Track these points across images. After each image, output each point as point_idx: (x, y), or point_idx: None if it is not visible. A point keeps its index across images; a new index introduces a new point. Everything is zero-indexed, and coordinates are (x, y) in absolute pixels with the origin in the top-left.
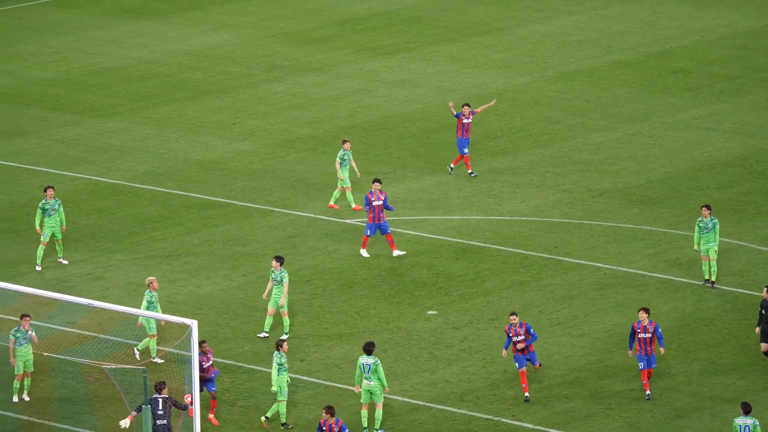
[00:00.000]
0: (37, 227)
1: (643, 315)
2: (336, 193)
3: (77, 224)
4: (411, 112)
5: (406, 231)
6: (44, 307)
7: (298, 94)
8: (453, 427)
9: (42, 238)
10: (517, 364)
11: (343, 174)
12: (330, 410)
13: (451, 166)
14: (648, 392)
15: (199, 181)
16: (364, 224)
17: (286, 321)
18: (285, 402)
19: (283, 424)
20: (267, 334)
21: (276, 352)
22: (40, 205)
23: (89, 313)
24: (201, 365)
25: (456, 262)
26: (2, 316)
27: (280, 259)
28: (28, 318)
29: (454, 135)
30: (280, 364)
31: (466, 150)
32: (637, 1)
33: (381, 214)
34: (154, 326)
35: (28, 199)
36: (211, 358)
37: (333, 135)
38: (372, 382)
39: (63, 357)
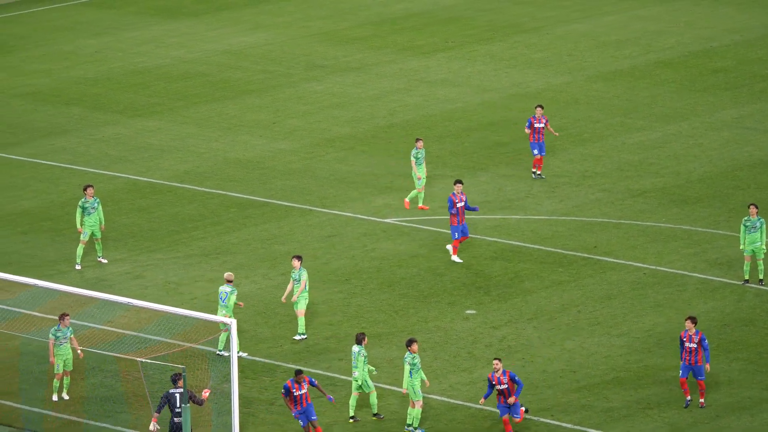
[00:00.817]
0: (78, 226)
1: (689, 324)
2: (421, 195)
3: (116, 223)
4: (450, 111)
5: (444, 230)
6: (83, 306)
7: (337, 94)
8: (491, 426)
9: (81, 237)
10: (499, 411)
11: (420, 173)
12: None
13: (534, 171)
14: (688, 398)
15: (238, 181)
16: (403, 224)
17: (301, 320)
18: (375, 392)
19: (374, 415)
20: (304, 336)
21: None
22: (80, 203)
23: (128, 312)
24: (290, 393)
25: (495, 261)
26: (41, 314)
27: (299, 258)
28: (67, 317)
29: (493, 134)
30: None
31: (536, 151)
32: (675, 1)
33: (463, 216)
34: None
35: (68, 198)
36: (305, 387)
37: (372, 134)
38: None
39: (99, 351)
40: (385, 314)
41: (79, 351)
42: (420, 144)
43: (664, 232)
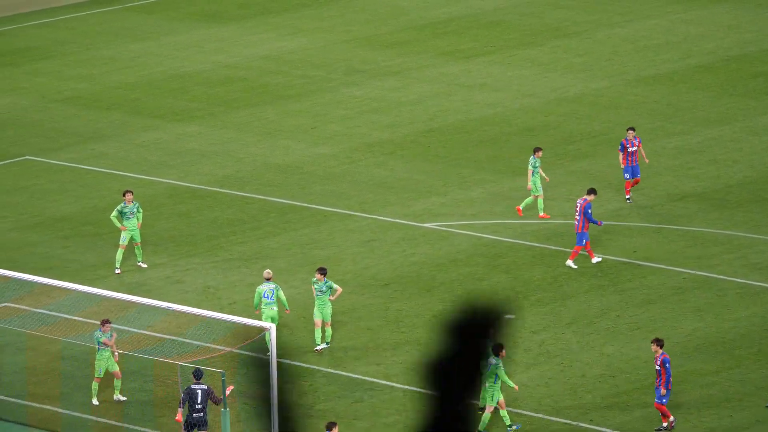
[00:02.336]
0: (119, 225)
1: (654, 347)
2: (540, 202)
3: (156, 228)
4: (490, 116)
5: (484, 235)
6: (123, 311)
7: (376, 98)
8: (530, 431)
9: (121, 242)
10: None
11: (535, 182)
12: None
13: (627, 197)
14: (664, 424)
15: (277, 185)
16: (443, 229)
17: (328, 331)
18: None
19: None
20: (324, 345)
21: (495, 358)
22: (119, 208)
23: (168, 316)
24: None
25: (534, 266)
26: (82, 319)
27: (323, 271)
28: (109, 325)
29: (532, 138)
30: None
31: (627, 175)
32: (717, 5)
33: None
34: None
35: (108, 203)
36: None
37: (411, 139)
38: None
39: (139, 355)
40: (425, 319)
41: (115, 353)
42: (539, 154)
43: (704, 237)
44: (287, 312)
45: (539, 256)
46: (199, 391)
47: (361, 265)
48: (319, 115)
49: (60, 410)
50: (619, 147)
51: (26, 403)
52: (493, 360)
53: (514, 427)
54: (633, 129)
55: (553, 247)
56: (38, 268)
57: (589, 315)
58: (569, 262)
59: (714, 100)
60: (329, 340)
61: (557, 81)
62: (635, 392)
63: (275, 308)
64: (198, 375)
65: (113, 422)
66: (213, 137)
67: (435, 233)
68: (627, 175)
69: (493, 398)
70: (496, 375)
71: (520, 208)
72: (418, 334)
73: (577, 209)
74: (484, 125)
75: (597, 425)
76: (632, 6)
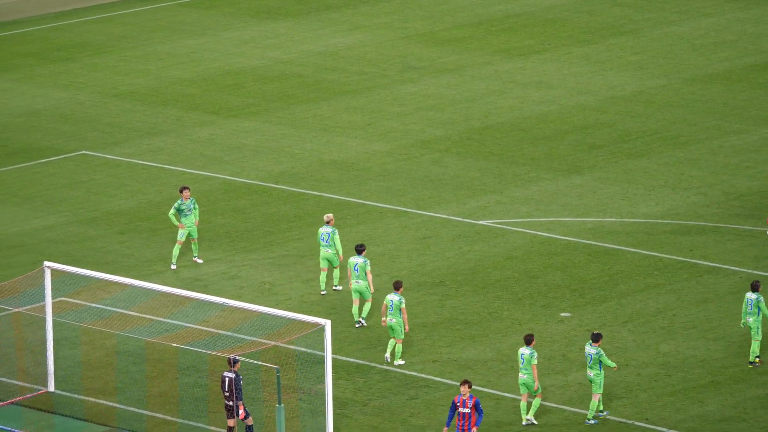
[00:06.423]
0: (177, 222)
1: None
2: None
3: (212, 224)
4: (545, 113)
5: (539, 233)
6: (179, 306)
7: (432, 95)
8: (585, 429)
9: (178, 237)
10: None
11: None
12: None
13: None
14: None
15: (333, 182)
16: (498, 226)
17: (367, 307)
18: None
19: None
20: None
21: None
22: (176, 205)
23: (223, 312)
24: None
25: (590, 264)
26: (137, 314)
27: (360, 249)
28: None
29: (588, 136)
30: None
31: None
32: None
33: None
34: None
35: (164, 198)
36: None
37: (467, 136)
38: None
39: (194, 349)
40: (480, 316)
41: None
42: None
43: (761, 236)
44: (341, 259)
45: (595, 254)
46: (226, 379)
47: (417, 262)
48: (374, 111)
49: (116, 405)
50: None
51: (82, 397)
52: (593, 350)
53: (603, 414)
54: None
55: (608, 246)
56: (95, 262)
57: (645, 314)
58: None
59: None
60: (364, 315)
61: (613, 79)
62: (691, 391)
63: (330, 251)
64: (231, 362)
65: (168, 417)
66: (268, 133)
67: (490, 231)
68: None
69: (600, 386)
70: (600, 362)
71: None
72: (473, 332)
73: None
74: (539, 123)
75: (653, 424)
76: (688, 4)
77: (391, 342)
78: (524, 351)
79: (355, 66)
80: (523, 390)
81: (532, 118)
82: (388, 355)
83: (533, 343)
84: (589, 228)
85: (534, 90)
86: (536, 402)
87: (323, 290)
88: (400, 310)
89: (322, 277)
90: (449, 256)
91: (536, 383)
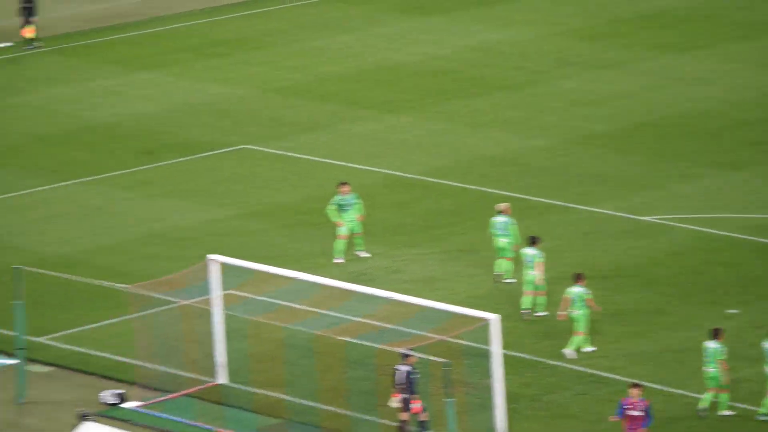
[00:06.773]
0: (336, 219)
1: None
2: None
3: (373, 218)
4: (704, 109)
5: (703, 229)
6: (344, 299)
7: (590, 91)
8: (753, 427)
9: (340, 232)
10: None
11: None
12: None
13: None
14: None
15: (493, 177)
16: (662, 222)
17: (539, 300)
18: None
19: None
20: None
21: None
22: (336, 200)
23: (388, 305)
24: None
25: (756, 260)
26: (303, 307)
27: (534, 241)
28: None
29: (748, 132)
30: None
31: None
32: None
33: None
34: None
35: (324, 192)
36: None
37: (627, 133)
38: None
39: (365, 343)
40: (646, 313)
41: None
42: None
43: None
44: (515, 249)
45: (761, 250)
46: (396, 372)
47: (582, 257)
48: (531, 106)
49: (285, 397)
50: None
51: (252, 389)
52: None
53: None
54: None
55: None
56: (259, 256)
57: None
58: None
59: None
60: (537, 310)
61: None
62: None
63: (505, 240)
64: (404, 356)
65: (338, 410)
66: (425, 128)
67: (654, 226)
68: None
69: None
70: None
71: None
72: (640, 327)
73: None
74: (699, 118)
75: None
76: None
77: (576, 338)
78: (711, 345)
79: (510, 61)
80: (710, 384)
81: (690, 114)
82: (571, 350)
83: (720, 337)
84: (755, 224)
85: (692, 86)
86: (724, 397)
87: (508, 278)
88: (584, 301)
89: (503, 264)
90: (614, 252)
91: (725, 377)
